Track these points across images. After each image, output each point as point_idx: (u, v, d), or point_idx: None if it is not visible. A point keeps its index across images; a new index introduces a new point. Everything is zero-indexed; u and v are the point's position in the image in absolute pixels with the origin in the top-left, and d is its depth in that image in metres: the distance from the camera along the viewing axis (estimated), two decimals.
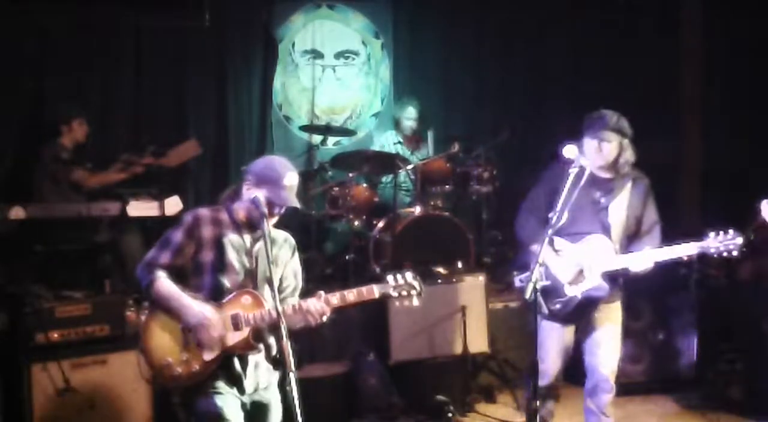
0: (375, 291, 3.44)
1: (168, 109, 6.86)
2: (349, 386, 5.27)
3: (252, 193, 3.39)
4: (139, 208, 5.70)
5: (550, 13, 7.70)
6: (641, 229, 4.22)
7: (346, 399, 5.23)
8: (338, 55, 7.55)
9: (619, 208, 4.16)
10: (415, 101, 7.01)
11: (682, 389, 5.70)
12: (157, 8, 6.36)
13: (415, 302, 3.46)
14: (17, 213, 5.21)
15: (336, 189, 6.48)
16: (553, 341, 4.23)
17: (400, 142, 7.01)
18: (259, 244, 3.45)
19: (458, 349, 5.50)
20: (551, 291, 4.08)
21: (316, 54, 7.45)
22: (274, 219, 3.46)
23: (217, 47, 6.98)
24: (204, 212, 3.47)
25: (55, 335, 4.54)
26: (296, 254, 3.61)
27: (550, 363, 4.25)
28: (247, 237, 3.46)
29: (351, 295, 3.43)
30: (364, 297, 3.44)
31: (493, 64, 7.83)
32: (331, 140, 7.18)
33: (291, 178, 3.43)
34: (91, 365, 4.57)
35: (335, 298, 3.42)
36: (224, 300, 3.38)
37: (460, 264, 5.93)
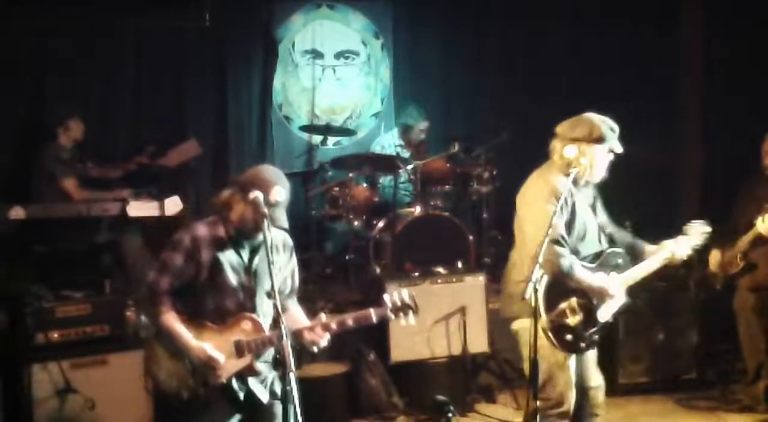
0: (373, 315, 3.50)
1: (168, 109, 6.85)
2: (349, 386, 5.27)
3: (239, 209, 3.37)
4: (139, 208, 5.69)
5: (549, 13, 7.70)
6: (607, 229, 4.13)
7: (346, 399, 5.23)
8: (338, 55, 7.55)
9: (601, 213, 4.07)
10: (424, 111, 7.00)
11: (682, 389, 5.70)
12: (157, 8, 6.36)
13: (411, 321, 3.53)
14: (17, 213, 5.21)
15: (336, 189, 6.49)
16: (572, 374, 3.97)
17: (401, 145, 7.00)
18: (258, 258, 3.45)
19: (458, 349, 5.50)
20: (584, 324, 3.88)
21: (316, 54, 7.45)
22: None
23: (217, 47, 6.98)
24: (202, 232, 3.42)
25: (55, 335, 4.54)
26: (294, 254, 3.61)
27: (573, 397, 3.98)
28: (245, 253, 3.45)
29: (350, 320, 3.49)
30: (361, 322, 3.51)
31: (493, 64, 7.83)
32: (331, 140, 7.18)
33: (279, 193, 3.37)
34: (91, 365, 4.57)
35: (334, 324, 3.46)
36: (225, 324, 3.40)
37: (460, 264, 5.93)
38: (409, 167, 6.37)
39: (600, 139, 3.89)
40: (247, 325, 3.40)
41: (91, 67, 6.49)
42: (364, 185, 6.68)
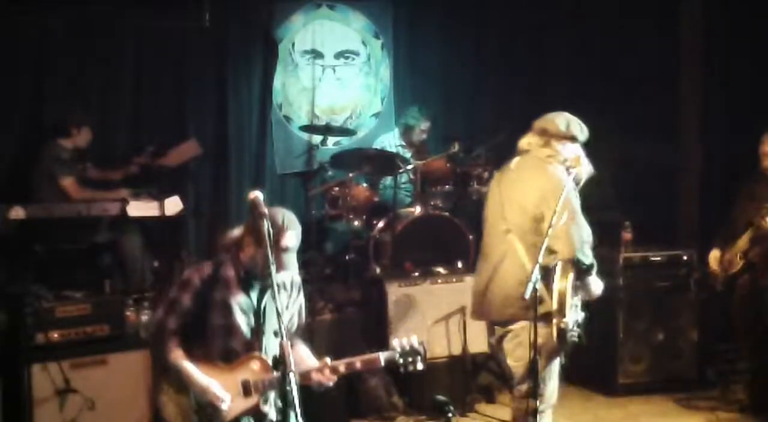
0: (381, 359, 3.49)
1: (168, 109, 6.85)
2: (349, 386, 5.27)
3: (250, 251, 3.36)
4: (139, 208, 5.69)
5: (550, 13, 7.70)
6: None
7: (346, 399, 5.23)
8: (338, 55, 7.54)
9: None
10: (425, 111, 6.99)
11: (682, 389, 5.71)
12: (157, 8, 6.35)
13: (419, 367, 3.53)
14: (17, 213, 5.21)
15: (336, 189, 6.49)
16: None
17: (402, 145, 6.99)
18: (266, 298, 3.44)
19: (458, 349, 5.50)
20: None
21: (316, 54, 7.44)
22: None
23: (217, 47, 6.97)
24: (211, 273, 3.42)
25: (55, 335, 4.54)
26: (301, 292, 3.62)
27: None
28: (254, 293, 3.44)
29: (358, 363, 3.49)
30: (370, 366, 3.52)
31: (493, 64, 7.82)
32: (331, 140, 7.17)
33: (290, 238, 3.36)
34: (91, 365, 4.56)
35: (342, 367, 3.46)
36: (233, 364, 3.40)
37: (460, 264, 5.93)
38: (409, 167, 6.37)
39: (587, 139, 4.02)
40: (255, 365, 3.40)
41: (91, 67, 6.49)
42: (364, 185, 6.68)
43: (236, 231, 3.49)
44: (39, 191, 5.80)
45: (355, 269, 6.30)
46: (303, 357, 3.57)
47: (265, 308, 3.44)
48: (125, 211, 5.59)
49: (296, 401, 3.08)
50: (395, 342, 3.52)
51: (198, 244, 6.89)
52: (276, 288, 3.16)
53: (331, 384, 3.46)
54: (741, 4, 6.91)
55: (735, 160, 6.23)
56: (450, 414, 5.21)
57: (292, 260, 3.38)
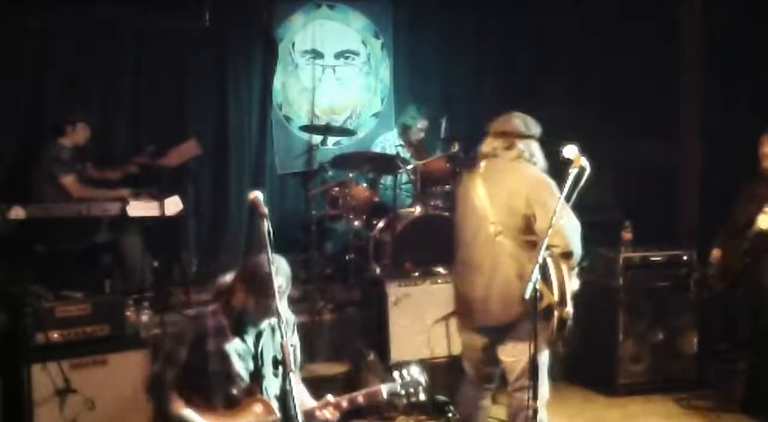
0: (383, 391, 3.52)
1: (168, 109, 6.85)
2: (349, 386, 5.27)
3: (242, 297, 3.39)
4: (139, 208, 5.68)
5: (550, 13, 7.70)
6: None
7: None
8: (338, 55, 7.54)
9: None
10: (424, 111, 7.00)
11: (682, 389, 5.70)
12: (157, 8, 6.35)
13: (422, 397, 3.56)
14: (17, 213, 5.20)
15: (336, 189, 6.49)
16: None
17: (401, 145, 7.00)
18: (263, 339, 3.47)
19: (458, 349, 5.48)
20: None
21: (316, 54, 7.45)
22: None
23: (217, 47, 6.97)
24: (206, 323, 3.44)
25: (55, 335, 4.54)
26: (296, 330, 3.64)
27: None
28: (250, 338, 3.46)
29: (360, 398, 3.51)
30: (372, 399, 3.54)
31: (493, 64, 7.82)
32: (331, 140, 7.16)
33: (278, 282, 3.35)
34: (91, 365, 4.56)
35: (345, 402, 3.48)
36: (236, 408, 3.41)
37: None
38: (409, 167, 6.37)
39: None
40: (258, 408, 3.42)
41: (91, 67, 6.49)
42: (364, 185, 6.68)
43: (227, 278, 3.52)
44: (39, 191, 5.80)
45: (355, 269, 6.30)
46: (302, 396, 3.58)
47: (262, 351, 3.47)
48: (125, 211, 5.58)
49: (297, 401, 3.08)
50: (395, 374, 3.55)
51: (198, 244, 6.89)
52: (277, 318, 3.18)
53: (335, 421, 3.48)
54: (741, 4, 6.90)
55: (735, 160, 6.22)
56: (450, 414, 5.20)
57: (283, 304, 3.39)
